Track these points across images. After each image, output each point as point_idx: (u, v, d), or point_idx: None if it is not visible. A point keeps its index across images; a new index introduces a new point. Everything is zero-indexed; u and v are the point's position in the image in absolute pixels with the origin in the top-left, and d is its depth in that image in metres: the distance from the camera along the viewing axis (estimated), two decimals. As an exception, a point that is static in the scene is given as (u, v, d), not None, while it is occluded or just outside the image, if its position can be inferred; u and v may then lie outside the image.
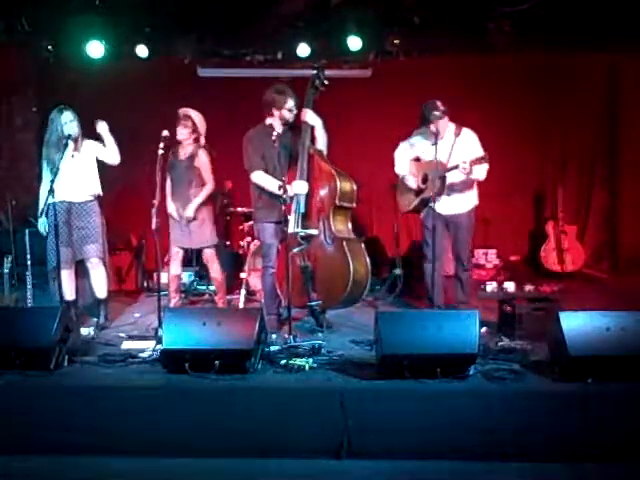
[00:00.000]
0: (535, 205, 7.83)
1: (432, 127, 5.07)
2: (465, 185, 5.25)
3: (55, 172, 4.84)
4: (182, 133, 5.51)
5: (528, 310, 4.80)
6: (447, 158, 5.15)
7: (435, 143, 4.91)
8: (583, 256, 7.41)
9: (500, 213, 6.86)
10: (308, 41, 6.54)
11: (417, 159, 5.42)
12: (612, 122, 7.57)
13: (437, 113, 5.10)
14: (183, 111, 5.56)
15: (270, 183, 4.92)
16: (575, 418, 3.59)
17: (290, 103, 5.02)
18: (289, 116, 5.06)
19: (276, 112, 5.04)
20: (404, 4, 6.16)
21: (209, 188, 5.54)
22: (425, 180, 5.24)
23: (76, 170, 5.14)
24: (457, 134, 5.24)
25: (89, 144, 5.24)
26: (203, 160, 5.52)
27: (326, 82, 5.05)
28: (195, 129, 5.54)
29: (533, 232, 7.81)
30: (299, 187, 4.88)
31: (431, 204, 5.07)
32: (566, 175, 7.63)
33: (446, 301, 5.45)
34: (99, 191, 5.27)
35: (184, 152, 5.56)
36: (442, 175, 5.09)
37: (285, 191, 4.61)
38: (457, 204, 5.29)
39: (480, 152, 5.08)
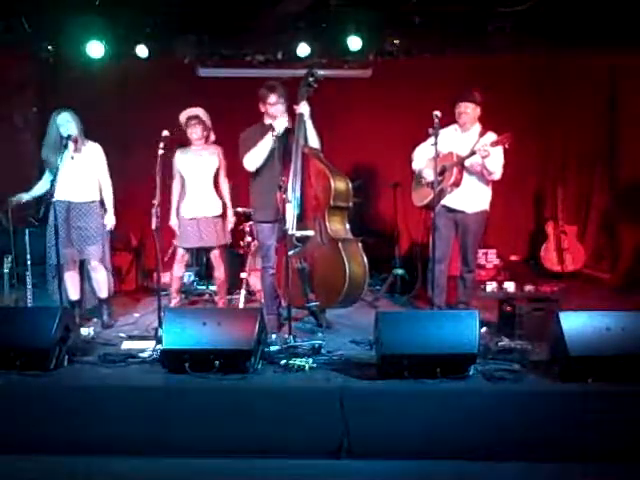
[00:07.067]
0: (535, 205, 7.82)
1: (456, 110, 5.19)
2: (480, 182, 5.23)
3: (55, 172, 4.88)
4: (196, 132, 5.54)
5: (528, 310, 4.80)
6: (468, 154, 5.14)
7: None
8: (583, 256, 7.41)
9: (500, 213, 6.84)
10: (308, 41, 6.52)
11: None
12: (612, 122, 7.55)
13: (468, 102, 5.18)
14: (188, 114, 5.58)
15: (258, 149, 4.88)
16: (575, 418, 3.60)
17: (272, 98, 4.96)
18: (273, 110, 4.99)
19: (262, 107, 5.02)
20: (404, 4, 6.15)
21: (228, 188, 5.62)
22: (443, 172, 5.18)
23: (76, 171, 5.13)
24: (482, 134, 5.23)
25: (92, 147, 5.24)
26: (222, 159, 5.58)
27: (320, 79, 5.01)
28: (205, 127, 5.59)
29: (533, 232, 7.81)
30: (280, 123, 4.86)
31: (447, 191, 5.12)
32: (566, 175, 7.62)
33: (449, 301, 5.45)
34: (99, 196, 5.24)
35: (200, 150, 5.58)
36: (460, 163, 5.11)
37: (285, 191, 4.61)
38: (468, 201, 5.25)
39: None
